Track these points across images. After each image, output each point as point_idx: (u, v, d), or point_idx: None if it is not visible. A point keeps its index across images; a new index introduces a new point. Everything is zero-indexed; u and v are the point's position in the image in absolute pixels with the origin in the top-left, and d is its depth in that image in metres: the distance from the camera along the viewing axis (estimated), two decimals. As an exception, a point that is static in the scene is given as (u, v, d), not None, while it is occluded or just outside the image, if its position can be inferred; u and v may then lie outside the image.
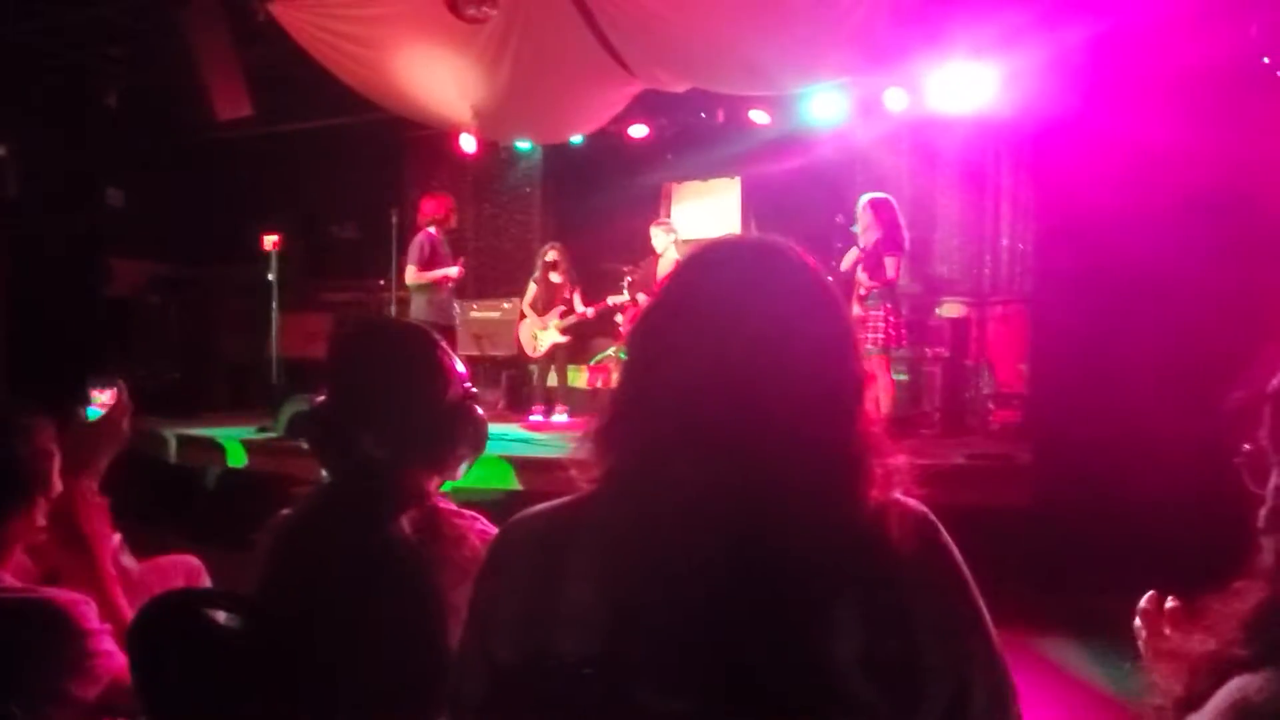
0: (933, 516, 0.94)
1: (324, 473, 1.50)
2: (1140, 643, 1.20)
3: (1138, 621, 1.21)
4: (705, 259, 1.00)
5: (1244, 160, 3.82)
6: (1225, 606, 0.98)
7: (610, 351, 7.36)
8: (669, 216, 7.79)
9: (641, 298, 6.64)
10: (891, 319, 5.56)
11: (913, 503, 0.94)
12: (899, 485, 0.94)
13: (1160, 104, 3.85)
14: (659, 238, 6.77)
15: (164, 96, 6.74)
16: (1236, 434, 1.01)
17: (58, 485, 1.64)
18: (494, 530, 1.21)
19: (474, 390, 1.52)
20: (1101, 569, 3.68)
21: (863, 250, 5.67)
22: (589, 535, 0.94)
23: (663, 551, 0.88)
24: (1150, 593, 1.21)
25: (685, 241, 6.74)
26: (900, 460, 0.94)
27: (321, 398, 1.48)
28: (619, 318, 7.08)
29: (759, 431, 0.88)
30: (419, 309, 6.28)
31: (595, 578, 0.91)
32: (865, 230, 5.68)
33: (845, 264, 5.77)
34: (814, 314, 0.95)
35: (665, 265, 6.64)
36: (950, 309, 6.81)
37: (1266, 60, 4.03)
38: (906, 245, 5.76)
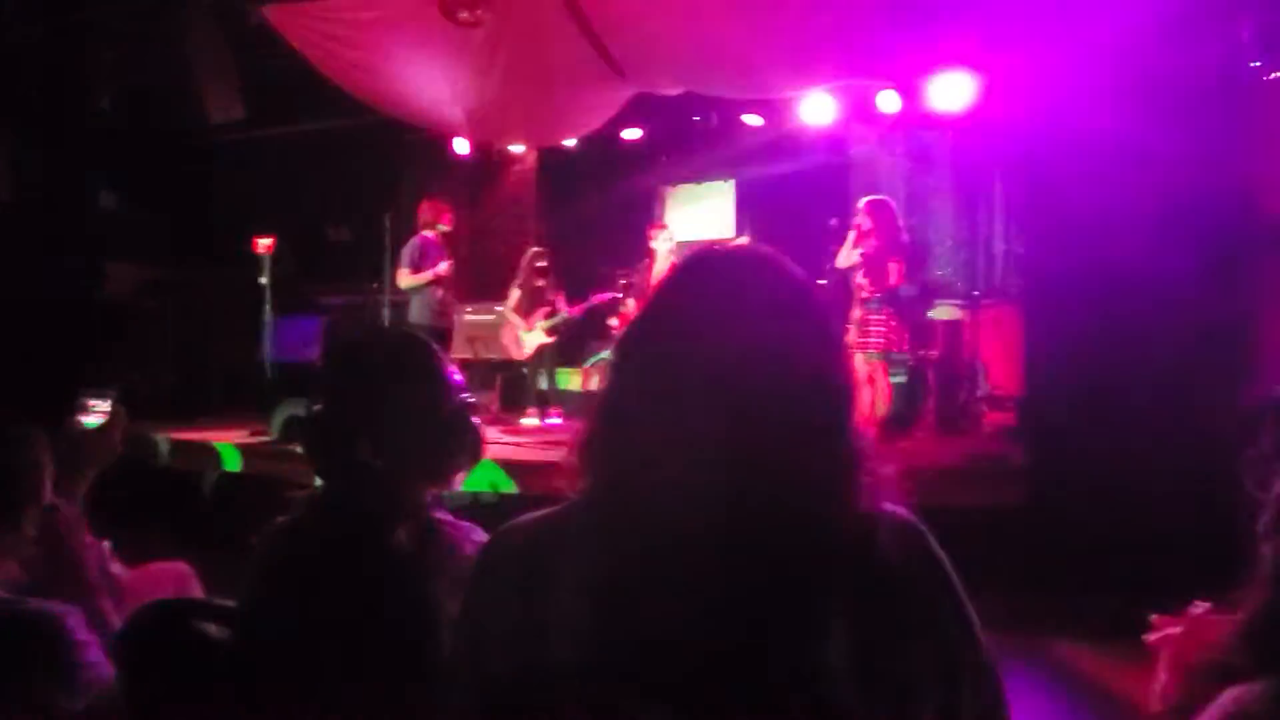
0: (922, 526, 0.94)
1: (318, 480, 1.49)
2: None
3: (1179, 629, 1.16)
4: (692, 269, 1.00)
5: (1234, 163, 3.84)
6: (1224, 615, 0.98)
7: (605, 355, 7.34)
8: (663, 219, 7.79)
9: (631, 303, 6.64)
10: (893, 323, 5.56)
11: (902, 512, 0.94)
12: (888, 494, 0.94)
13: (1151, 108, 3.86)
14: (661, 242, 6.76)
15: (158, 99, 6.72)
16: (1238, 438, 1.01)
17: (48, 496, 1.62)
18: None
19: (471, 400, 1.52)
20: (1096, 569, 3.69)
21: (863, 255, 5.64)
22: (578, 544, 0.93)
23: (652, 561, 0.88)
24: (1205, 605, 1.16)
25: (683, 244, 6.74)
26: (889, 469, 0.94)
27: (318, 405, 1.47)
28: (613, 320, 7.07)
29: (747, 441, 0.88)
30: (416, 311, 6.35)
31: (584, 587, 0.90)
32: (866, 235, 5.65)
33: (842, 260, 5.67)
34: (801, 325, 0.95)
35: (662, 270, 6.63)
36: (943, 311, 6.81)
37: (1257, 64, 4.04)
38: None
